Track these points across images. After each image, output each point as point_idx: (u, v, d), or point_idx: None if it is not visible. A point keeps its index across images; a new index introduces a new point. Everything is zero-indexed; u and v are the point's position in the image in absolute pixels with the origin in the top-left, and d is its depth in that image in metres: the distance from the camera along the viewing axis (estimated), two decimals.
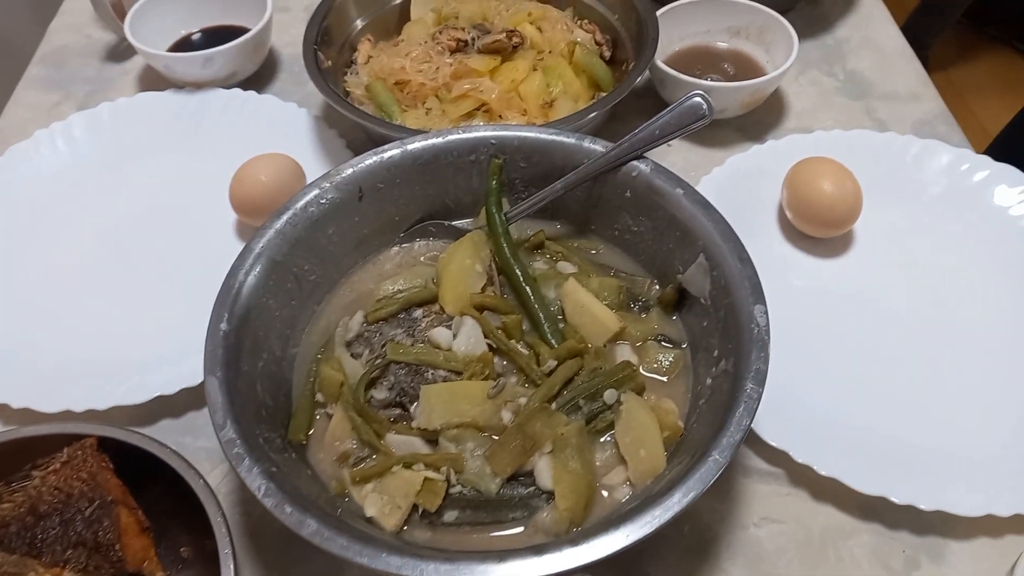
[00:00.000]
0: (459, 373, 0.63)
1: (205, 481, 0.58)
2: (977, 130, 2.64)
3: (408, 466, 0.58)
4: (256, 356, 0.62)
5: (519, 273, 0.68)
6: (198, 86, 0.99)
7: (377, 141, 0.84)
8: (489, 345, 0.65)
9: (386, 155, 0.72)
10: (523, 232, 0.74)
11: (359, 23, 0.96)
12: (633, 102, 0.93)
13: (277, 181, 0.81)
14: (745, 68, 0.96)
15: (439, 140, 0.73)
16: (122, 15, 1.05)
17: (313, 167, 0.89)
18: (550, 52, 0.90)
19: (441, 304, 0.67)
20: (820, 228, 0.79)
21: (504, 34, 0.86)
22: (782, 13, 1.03)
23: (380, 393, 0.63)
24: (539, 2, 0.98)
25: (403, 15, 1.00)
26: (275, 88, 1.04)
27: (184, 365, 0.71)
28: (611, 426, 0.61)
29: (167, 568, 0.60)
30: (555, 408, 0.61)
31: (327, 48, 0.92)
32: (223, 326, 0.60)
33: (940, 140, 0.89)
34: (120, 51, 1.10)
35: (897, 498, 0.60)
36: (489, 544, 0.57)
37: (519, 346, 0.65)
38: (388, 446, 0.60)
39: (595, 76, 0.90)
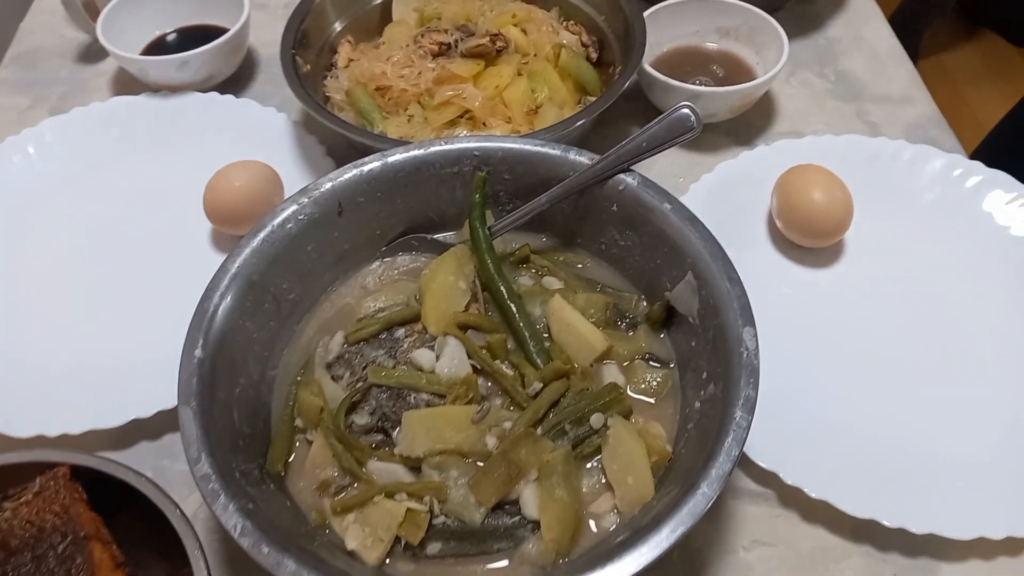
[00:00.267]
0: (442, 396, 0.61)
1: (182, 511, 0.57)
2: (971, 122, 2.63)
3: (390, 495, 0.57)
4: (233, 382, 0.60)
5: (504, 290, 0.67)
6: (174, 90, 0.96)
7: (358, 149, 0.83)
8: (473, 366, 0.63)
9: (366, 168, 0.70)
10: (508, 245, 0.73)
11: (338, 25, 0.93)
12: (621, 105, 0.91)
13: (251, 188, 0.79)
14: (735, 70, 0.94)
15: (421, 152, 0.71)
16: (95, 14, 1.02)
17: (292, 174, 0.87)
18: (535, 55, 0.87)
19: (424, 323, 0.66)
20: (810, 238, 0.78)
21: (488, 38, 0.83)
22: (772, 12, 1.01)
23: (361, 418, 0.61)
24: (524, 2, 0.96)
25: (384, 15, 0.97)
26: (254, 90, 1.01)
27: (160, 386, 0.68)
28: (598, 451, 0.59)
29: None
30: (541, 433, 0.59)
31: (306, 51, 0.89)
32: (197, 352, 0.58)
33: (933, 144, 0.88)
34: (94, 51, 1.06)
35: (888, 521, 0.60)
36: None
37: (504, 366, 0.64)
38: (370, 474, 0.59)
39: (581, 80, 0.88)
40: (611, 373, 0.64)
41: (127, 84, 1.01)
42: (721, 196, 0.83)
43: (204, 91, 0.96)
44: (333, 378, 0.64)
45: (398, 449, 0.59)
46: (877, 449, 0.65)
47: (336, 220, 0.69)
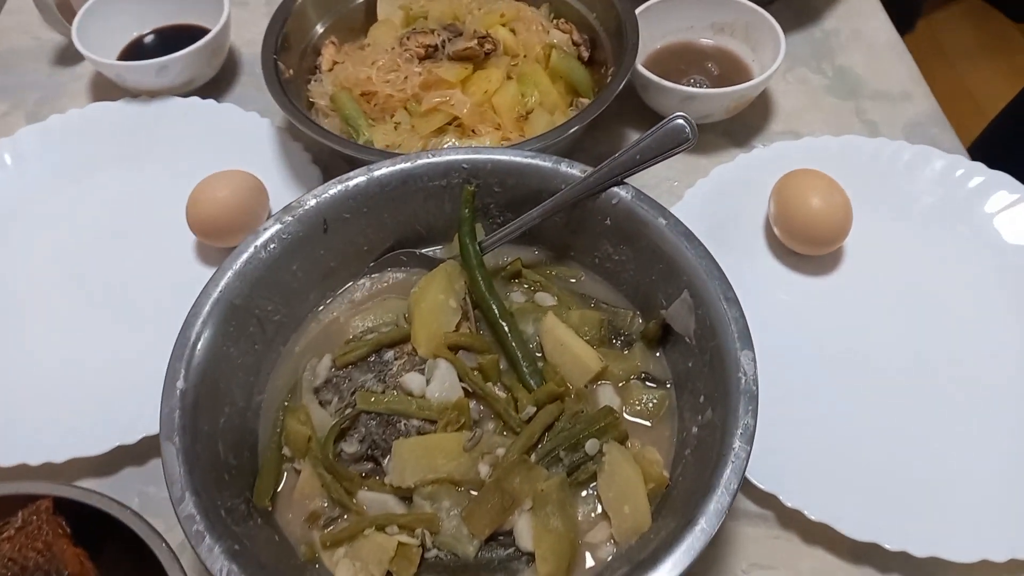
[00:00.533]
0: (433, 422, 0.60)
1: (167, 544, 0.55)
2: (968, 101, 2.60)
3: (381, 528, 0.56)
4: (217, 412, 0.59)
5: (495, 308, 0.65)
6: (153, 94, 0.93)
7: (343, 157, 0.80)
8: (465, 389, 0.62)
9: (351, 183, 0.68)
10: (499, 259, 0.71)
11: (321, 26, 0.90)
12: (613, 105, 0.88)
13: (235, 200, 0.77)
14: (730, 67, 0.92)
15: (408, 165, 0.68)
16: (70, 14, 0.98)
17: (277, 182, 0.85)
18: (525, 56, 0.85)
19: (414, 344, 0.64)
20: (808, 246, 0.76)
21: (476, 41, 0.81)
22: (770, 3, 0.99)
23: (350, 446, 0.59)
24: (513, 0, 0.93)
25: (369, 13, 0.94)
26: (236, 93, 0.99)
27: (144, 410, 0.67)
28: (593, 477, 0.58)
29: None
30: (535, 460, 0.58)
31: (288, 53, 0.86)
32: (179, 384, 0.56)
33: (932, 142, 0.86)
34: (71, 54, 1.03)
35: (890, 544, 0.59)
36: None
37: (496, 389, 0.62)
38: (360, 505, 0.57)
39: (573, 81, 0.85)
40: (606, 394, 0.63)
41: (106, 88, 0.98)
42: (718, 201, 0.81)
43: (184, 95, 0.93)
44: (321, 403, 0.63)
45: (388, 479, 0.58)
46: (878, 469, 0.64)
47: (321, 237, 0.67)
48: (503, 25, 0.87)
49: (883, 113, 0.91)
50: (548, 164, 0.68)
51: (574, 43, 0.89)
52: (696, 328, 0.60)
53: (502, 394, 0.62)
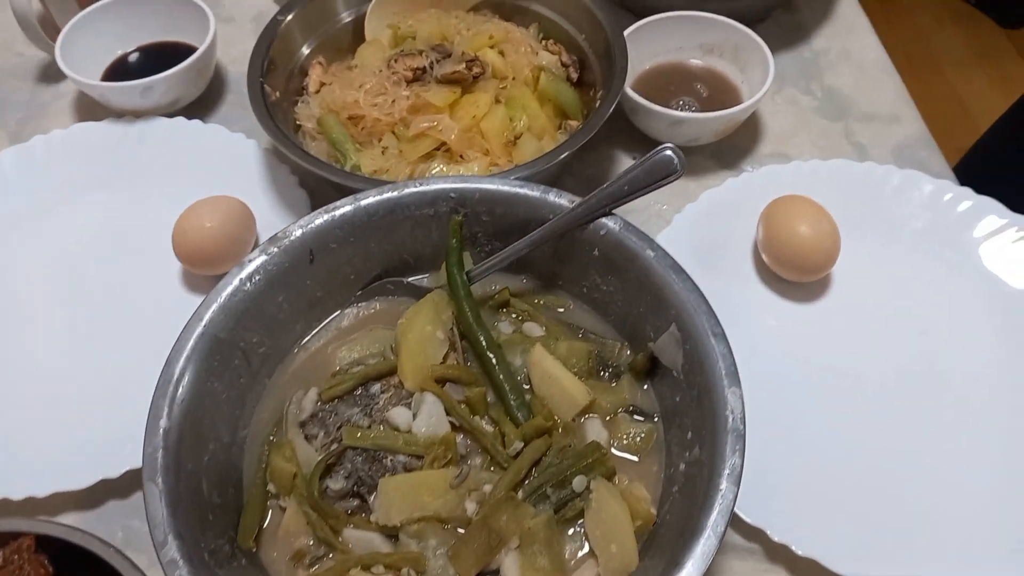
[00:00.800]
0: (420, 457, 0.59)
1: None
2: (956, 108, 2.61)
3: (367, 567, 0.55)
4: (201, 449, 0.58)
5: (483, 340, 0.65)
6: (138, 114, 0.92)
7: (330, 181, 0.79)
8: (452, 423, 0.61)
9: (338, 212, 0.67)
10: (487, 288, 0.70)
11: (308, 47, 0.89)
12: (603, 128, 0.87)
13: (221, 229, 0.76)
14: (719, 89, 0.91)
15: (395, 194, 0.68)
16: (53, 31, 0.97)
17: (263, 205, 0.84)
18: (513, 79, 0.84)
19: (400, 378, 0.63)
20: (796, 273, 0.76)
21: (464, 64, 0.80)
22: (758, 21, 0.99)
23: (336, 483, 0.59)
24: (502, 19, 0.92)
25: (357, 32, 0.93)
26: (222, 112, 0.98)
27: (128, 443, 0.66)
28: (581, 514, 0.58)
29: None
30: (522, 497, 0.57)
31: (274, 75, 0.85)
32: (162, 423, 0.56)
33: (921, 165, 0.86)
34: (54, 71, 1.02)
35: None
36: None
37: (483, 422, 0.62)
38: (346, 543, 0.57)
39: (561, 103, 0.85)
40: (594, 427, 0.63)
41: (89, 107, 0.97)
42: (706, 226, 0.81)
43: (170, 115, 0.92)
44: (307, 437, 0.62)
45: (374, 517, 0.57)
46: (867, 503, 0.64)
47: (308, 267, 0.67)
48: (492, 47, 0.86)
49: (872, 135, 0.91)
50: (536, 194, 0.67)
51: (563, 64, 0.89)
52: (684, 363, 0.60)
53: (489, 428, 0.62)
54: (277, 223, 0.83)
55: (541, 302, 0.71)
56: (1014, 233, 0.79)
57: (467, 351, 0.66)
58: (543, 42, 0.90)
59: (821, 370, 0.73)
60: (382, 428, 0.61)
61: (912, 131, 0.91)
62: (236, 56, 1.03)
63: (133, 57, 0.98)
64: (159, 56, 0.97)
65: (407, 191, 0.68)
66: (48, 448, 0.68)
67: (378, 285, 0.71)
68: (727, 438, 0.53)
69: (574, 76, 0.89)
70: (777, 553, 0.63)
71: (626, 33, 0.88)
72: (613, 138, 0.91)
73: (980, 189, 0.82)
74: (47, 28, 1.00)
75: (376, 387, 0.64)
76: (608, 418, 0.63)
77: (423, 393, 0.62)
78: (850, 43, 1.01)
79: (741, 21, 0.93)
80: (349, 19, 0.93)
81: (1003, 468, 0.66)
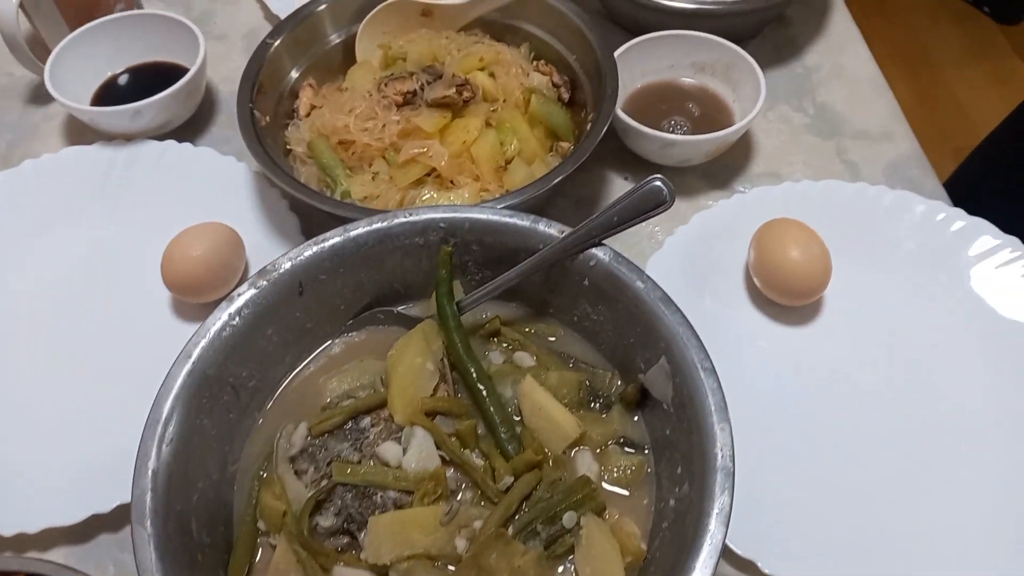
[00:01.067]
0: (410, 493, 0.59)
1: None
2: (952, 107, 2.60)
3: None
4: (191, 489, 0.58)
5: (473, 372, 0.64)
6: (128, 137, 0.92)
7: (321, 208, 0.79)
8: (442, 456, 0.61)
9: (327, 244, 0.67)
10: (478, 316, 0.70)
11: (296, 71, 0.89)
12: (594, 148, 0.88)
13: (211, 257, 0.76)
14: (711, 108, 0.91)
15: (384, 225, 0.68)
16: (43, 52, 0.97)
17: (253, 230, 0.84)
18: (504, 101, 0.84)
19: (390, 411, 0.63)
20: (787, 298, 0.76)
21: (454, 89, 0.80)
22: (750, 37, 0.99)
23: (326, 520, 0.59)
24: (493, 39, 0.92)
25: (347, 52, 0.93)
26: (212, 133, 0.97)
27: (119, 477, 0.66)
28: (571, 550, 0.57)
29: None
30: (512, 533, 0.57)
31: (264, 98, 0.85)
32: (151, 464, 0.56)
33: (913, 184, 0.86)
34: (44, 92, 1.00)
35: None
36: None
37: (474, 456, 0.62)
38: None
39: (552, 126, 0.85)
40: (584, 460, 0.62)
41: (80, 128, 0.97)
42: (698, 249, 0.81)
43: (160, 138, 0.92)
44: (297, 472, 0.62)
45: (364, 555, 0.57)
46: (859, 535, 0.64)
47: (297, 300, 0.66)
48: (482, 69, 0.86)
49: (864, 153, 0.91)
50: (526, 223, 0.67)
51: (554, 85, 0.89)
52: (674, 396, 0.60)
53: (480, 461, 0.61)
54: (267, 247, 0.83)
55: (532, 330, 0.71)
56: (1007, 254, 0.79)
57: (458, 382, 0.66)
58: (534, 62, 0.90)
59: (813, 394, 0.73)
60: (372, 463, 0.61)
61: (904, 148, 0.91)
62: (227, 74, 1.03)
63: (123, 79, 0.98)
64: (149, 77, 0.97)
65: (396, 221, 0.68)
66: (38, 483, 0.68)
67: (368, 315, 0.71)
68: (716, 476, 0.53)
69: (565, 96, 0.89)
70: None
71: (618, 52, 0.88)
72: (605, 159, 0.90)
73: (972, 207, 0.82)
74: (37, 48, 0.99)
75: (366, 421, 0.64)
76: (599, 450, 0.63)
77: (413, 427, 0.62)
78: (843, 59, 1.00)
79: (733, 36, 0.93)
80: (339, 40, 0.92)
81: (997, 497, 0.66)
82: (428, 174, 0.79)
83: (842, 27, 1.04)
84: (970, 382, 0.73)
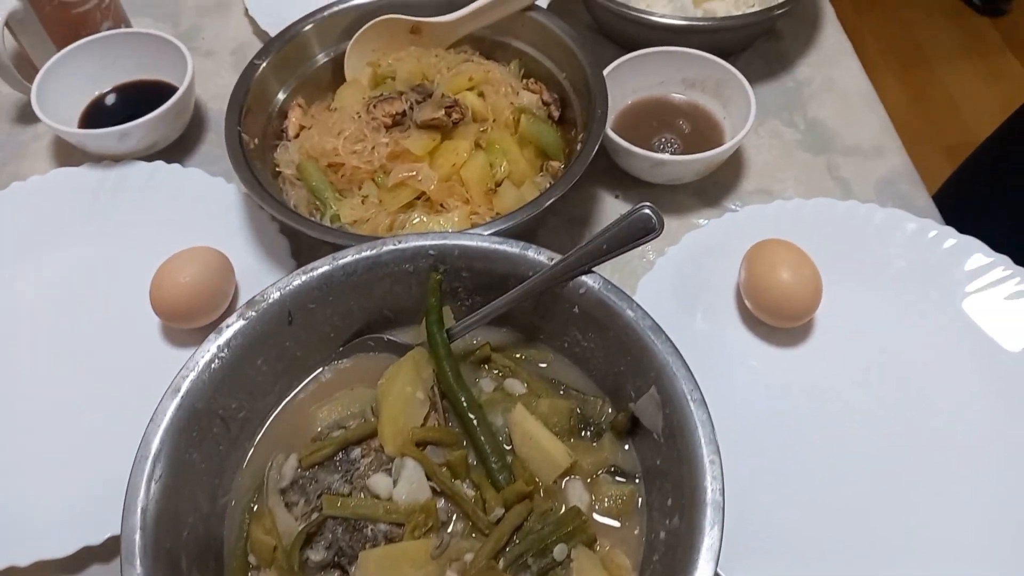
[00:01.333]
0: (401, 525, 0.59)
1: None
2: (950, 112, 2.60)
3: None
4: (180, 525, 0.58)
5: (464, 401, 0.64)
6: (116, 158, 0.91)
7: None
8: (433, 487, 0.61)
9: (316, 272, 0.66)
10: (468, 342, 0.70)
11: (285, 91, 0.89)
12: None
13: (200, 283, 0.76)
14: (702, 124, 0.91)
15: (373, 252, 0.67)
16: (29, 70, 0.96)
17: (243, 252, 0.84)
18: (494, 121, 0.84)
19: (381, 441, 0.63)
20: (778, 319, 0.76)
21: (443, 111, 0.79)
22: (741, 50, 0.98)
23: (317, 554, 0.59)
24: (482, 56, 0.92)
25: (336, 70, 0.93)
26: (201, 152, 0.97)
27: (110, 508, 0.66)
28: None
29: None
30: (503, 566, 0.57)
31: (253, 120, 0.84)
32: (140, 502, 0.55)
33: (904, 200, 0.86)
34: (31, 111, 1.00)
35: None
36: None
37: (464, 486, 0.62)
38: None
39: (542, 145, 0.84)
40: (575, 489, 0.62)
41: (68, 148, 0.96)
42: (689, 269, 0.81)
43: (149, 158, 0.91)
44: (287, 505, 0.62)
45: None
46: (850, 554, 0.64)
47: (286, 329, 0.66)
48: (471, 88, 0.85)
49: (855, 168, 0.91)
50: (515, 250, 0.67)
51: (544, 103, 0.88)
52: (664, 426, 0.60)
53: (471, 492, 0.61)
54: (257, 269, 0.83)
55: (522, 356, 0.70)
56: (999, 272, 0.79)
57: (448, 410, 0.66)
58: (524, 80, 0.90)
59: (804, 413, 0.73)
60: (363, 495, 0.61)
61: (895, 164, 0.91)
62: (216, 91, 1.02)
63: (110, 98, 0.97)
64: (137, 96, 0.96)
65: (386, 249, 0.68)
66: (28, 515, 0.67)
67: (358, 342, 0.71)
68: (706, 511, 0.53)
69: (556, 114, 0.88)
70: None
71: (608, 69, 0.88)
72: (595, 176, 0.90)
73: (961, 223, 0.82)
74: (23, 66, 0.99)
75: (356, 452, 0.64)
76: (590, 479, 0.63)
77: (403, 458, 0.62)
78: (834, 72, 1.00)
79: (724, 50, 0.93)
80: (327, 59, 0.92)
81: (990, 514, 0.66)
82: (418, 197, 0.78)
83: (833, 40, 1.04)
84: (961, 400, 0.73)
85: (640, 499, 0.62)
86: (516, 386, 0.68)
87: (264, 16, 1.05)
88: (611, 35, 1.03)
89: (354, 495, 0.61)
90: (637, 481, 0.63)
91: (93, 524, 0.66)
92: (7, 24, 0.92)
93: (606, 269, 0.64)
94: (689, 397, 0.58)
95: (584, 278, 0.65)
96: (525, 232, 0.78)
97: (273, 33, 0.92)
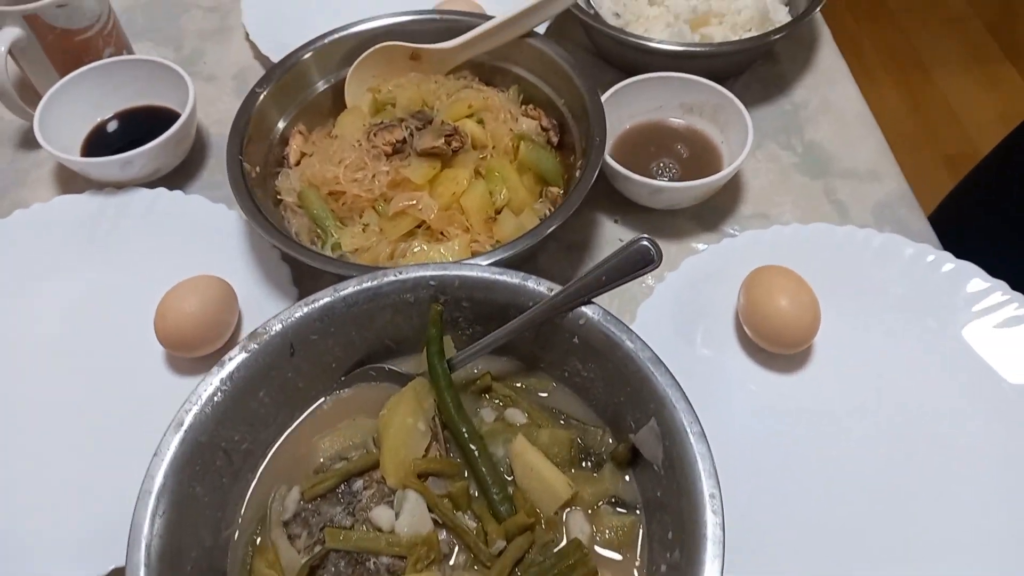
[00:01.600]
0: (403, 558, 0.60)
1: None
2: (949, 121, 2.61)
3: None
4: (184, 559, 0.58)
5: (465, 432, 0.65)
6: (119, 185, 0.92)
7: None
8: (434, 519, 0.62)
9: (318, 304, 0.67)
10: (469, 371, 0.70)
11: (286, 119, 0.89)
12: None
13: (204, 313, 0.76)
14: (700, 148, 0.92)
15: (374, 283, 0.68)
16: (33, 95, 0.97)
17: (244, 279, 0.84)
18: (494, 148, 0.84)
19: (383, 473, 0.64)
20: (776, 346, 0.76)
21: (443, 139, 0.80)
22: (738, 73, 0.99)
23: None
24: (482, 82, 0.92)
25: (336, 97, 0.93)
26: (203, 178, 0.97)
27: (114, 539, 0.65)
28: None
29: None
30: None
31: (255, 148, 0.85)
32: (144, 538, 0.56)
33: (901, 224, 0.87)
34: (34, 137, 1.00)
35: None
36: None
37: (466, 517, 0.62)
38: None
39: (541, 172, 0.85)
40: (577, 521, 0.63)
41: (70, 175, 0.97)
42: (687, 295, 0.81)
43: (151, 185, 0.92)
44: (290, 537, 0.62)
45: None
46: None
47: (288, 361, 0.67)
48: (471, 115, 0.86)
49: (852, 192, 0.91)
50: (515, 281, 0.67)
51: (543, 128, 0.89)
52: (664, 458, 0.60)
53: (473, 523, 0.62)
54: (259, 296, 0.83)
55: (523, 385, 0.71)
56: (997, 298, 0.79)
57: (449, 441, 0.66)
58: (523, 106, 0.90)
59: (803, 438, 0.74)
60: (365, 528, 0.61)
61: (892, 188, 0.91)
62: (218, 116, 1.03)
63: (112, 124, 0.98)
64: (139, 122, 0.97)
65: (387, 280, 0.68)
66: (31, 548, 0.68)
67: (360, 372, 0.71)
68: (706, 545, 0.54)
69: (555, 140, 0.89)
70: None
71: (607, 95, 0.89)
72: (595, 201, 0.91)
73: (957, 246, 0.83)
74: (26, 92, 0.99)
75: (359, 483, 0.64)
76: (590, 510, 0.64)
77: (405, 490, 0.62)
78: (831, 94, 1.01)
79: (722, 74, 0.93)
80: (327, 86, 0.92)
81: (989, 538, 0.67)
82: (418, 226, 0.79)
83: (830, 61, 1.04)
84: (958, 426, 0.74)
85: (641, 531, 0.63)
86: (517, 416, 0.68)
87: (265, 41, 1.06)
88: (610, 59, 1.04)
89: (356, 528, 0.61)
90: (638, 512, 0.64)
91: (97, 556, 0.66)
92: (10, 51, 0.93)
93: (605, 295, 0.64)
94: (689, 430, 0.59)
95: (584, 308, 0.65)
96: (524, 261, 0.79)
97: (274, 58, 0.93)
